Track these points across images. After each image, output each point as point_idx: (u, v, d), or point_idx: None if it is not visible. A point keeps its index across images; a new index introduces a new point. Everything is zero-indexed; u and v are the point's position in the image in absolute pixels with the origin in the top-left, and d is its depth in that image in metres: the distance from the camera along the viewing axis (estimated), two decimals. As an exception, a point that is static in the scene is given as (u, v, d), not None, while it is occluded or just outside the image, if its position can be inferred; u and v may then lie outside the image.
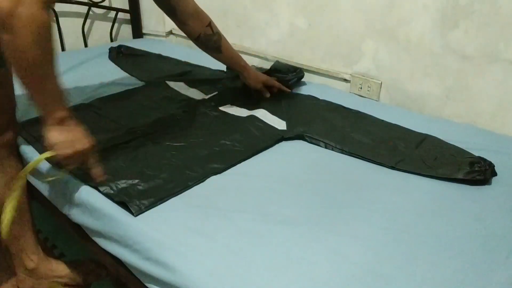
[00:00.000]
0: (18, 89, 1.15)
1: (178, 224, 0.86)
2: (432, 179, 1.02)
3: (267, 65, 1.66)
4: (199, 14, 1.28)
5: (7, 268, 1.33)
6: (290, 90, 1.50)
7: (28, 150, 1.15)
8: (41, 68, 0.82)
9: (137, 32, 2.27)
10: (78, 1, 2.02)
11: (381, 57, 1.48)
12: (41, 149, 1.13)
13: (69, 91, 1.51)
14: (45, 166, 1.07)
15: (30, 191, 1.21)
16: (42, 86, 0.84)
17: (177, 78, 1.62)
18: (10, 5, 0.72)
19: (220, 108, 1.38)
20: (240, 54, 1.42)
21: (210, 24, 1.31)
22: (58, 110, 0.88)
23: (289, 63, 1.65)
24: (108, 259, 0.96)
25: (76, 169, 0.99)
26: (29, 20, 0.74)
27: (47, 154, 0.91)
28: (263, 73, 1.54)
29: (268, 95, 1.45)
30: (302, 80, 1.60)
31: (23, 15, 0.73)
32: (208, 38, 1.31)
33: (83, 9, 2.07)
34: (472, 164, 1.02)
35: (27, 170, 0.95)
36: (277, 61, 1.65)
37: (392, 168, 1.06)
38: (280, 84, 1.48)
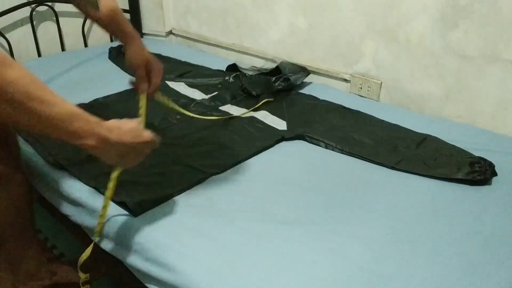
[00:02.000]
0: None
1: (178, 224, 0.86)
2: (432, 179, 1.01)
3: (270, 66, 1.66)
4: None
5: (7, 269, 1.33)
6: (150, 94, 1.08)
7: (28, 150, 1.15)
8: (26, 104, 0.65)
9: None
10: (78, 1, 2.02)
11: (381, 57, 1.48)
12: (40, 149, 1.13)
13: (69, 92, 1.51)
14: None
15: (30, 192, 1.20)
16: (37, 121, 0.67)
17: (177, 78, 1.62)
18: None
19: (220, 108, 1.38)
20: (128, 21, 1.05)
21: None
22: (82, 139, 0.71)
23: (289, 62, 1.65)
24: (109, 259, 0.96)
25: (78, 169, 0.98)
26: None
27: (116, 172, 0.84)
28: (267, 73, 1.54)
29: (145, 84, 1.02)
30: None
31: None
32: None
33: (83, 9, 2.06)
34: (472, 164, 1.02)
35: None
36: (283, 61, 1.64)
37: (392, 168, 1.06)
38: (160, 74, 1.07)
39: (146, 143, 0.77)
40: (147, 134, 0.78)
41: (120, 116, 1.31)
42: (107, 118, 1.29)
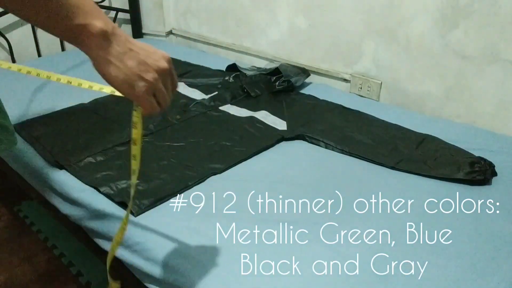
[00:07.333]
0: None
1: (178, 224, 0.86)
2: (432, 179, 1.02)
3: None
4: None
5: (7, 267, 1.33)
6: None
7: (28, 150, 1.15)
8: None
9: (137, 32, 2.27)
10: (78, 1, 2.02)
11: (381, 57, 1.48)
12: (40, 149, 1.13)
13: (69, 92, 1.51)
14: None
15: (29, 191, 1.20)
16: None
17: (177, 78, 1.62)
18: None
19: (220, 108, 1.38)
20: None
21: None
22: (92, 24, 0.57)
23: (289, 63, 1.65)
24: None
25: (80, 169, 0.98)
26: None
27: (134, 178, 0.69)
28: (267, 73, 1.53)
29: None
30: (302, 80, 1.60)
31: None
32: None
33: (83, 9, 2.06)
34: (472, 164, 1.02)
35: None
36: (283, 63, 1.63)
37: (392, 168, 1.06)
38: None
39: (161, 55, 0.63)
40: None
41: (121, 117, 1.32)
42: (107, 118, 1.30)
